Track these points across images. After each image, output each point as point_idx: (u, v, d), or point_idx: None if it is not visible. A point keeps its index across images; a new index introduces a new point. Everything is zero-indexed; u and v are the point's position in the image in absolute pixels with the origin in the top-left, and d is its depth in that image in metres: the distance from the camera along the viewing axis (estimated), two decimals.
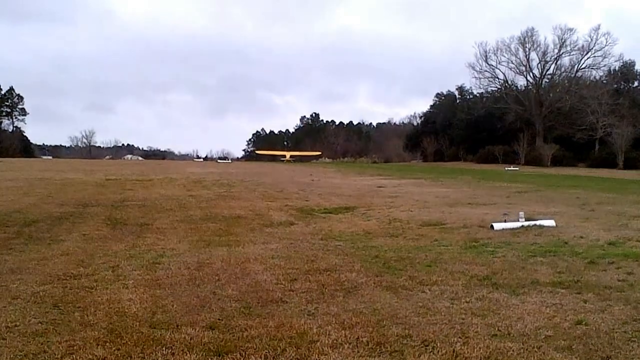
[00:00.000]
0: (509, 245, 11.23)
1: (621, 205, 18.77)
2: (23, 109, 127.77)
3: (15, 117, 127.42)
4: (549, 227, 13.40)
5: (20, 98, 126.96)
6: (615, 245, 11.06)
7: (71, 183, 29.60)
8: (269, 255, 10.25)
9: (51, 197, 21.25)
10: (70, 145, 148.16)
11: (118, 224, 14.47)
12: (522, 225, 13.40)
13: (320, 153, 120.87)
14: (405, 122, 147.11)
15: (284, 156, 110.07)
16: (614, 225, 13.82)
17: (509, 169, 66.96)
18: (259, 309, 6.78)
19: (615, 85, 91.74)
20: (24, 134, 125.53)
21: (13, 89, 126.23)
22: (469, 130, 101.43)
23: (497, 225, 13.41)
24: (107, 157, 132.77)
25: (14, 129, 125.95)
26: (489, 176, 43.86)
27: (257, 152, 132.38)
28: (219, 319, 6.38)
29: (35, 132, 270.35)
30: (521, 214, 13.82)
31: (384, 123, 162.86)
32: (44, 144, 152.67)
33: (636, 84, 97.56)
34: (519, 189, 28.00)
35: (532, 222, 13.60)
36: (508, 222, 13.63)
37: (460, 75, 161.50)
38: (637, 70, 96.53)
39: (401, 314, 6.53)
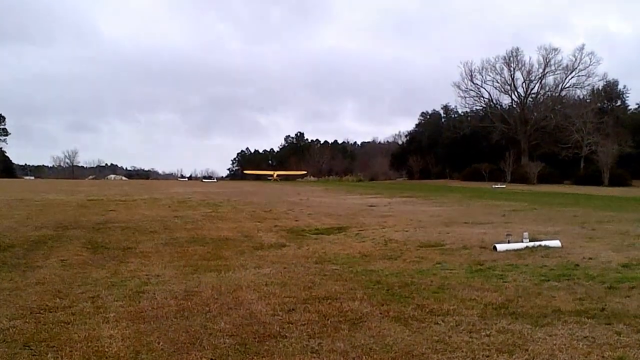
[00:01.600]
0: (517, 269, 10.56)
1: (622, 224, 18.21)
2: (4, 129, 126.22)
3: None
4: (554, 247, 12.77)
5: (2, 118, 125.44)
6: (630, 267, 10.42)
7: (51, 204, 28.61)
8: (262, 282, 9.51)
9: (30, 219, 20.32)
10: (53, 165, 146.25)
11: (99, 248, 13.64)
12: (527, 246, 12.77)
13: (305, 172, 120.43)
14: (390, 140, 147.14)
15: (271, 175, 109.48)
16: (622, 246, 13.20)
17: (496, 186, 66.61)
18: (256, 346, 6.05)
19: (599, 104, 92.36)
20: (6, 154, 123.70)
21: None
22: (455, 148, 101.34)
23: (500, 247, 12.76)
24: (90, 177, 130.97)
25: None
26: (478, 194, 43.32)
27: (245, 171, 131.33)
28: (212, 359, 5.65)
29: (18, 152, 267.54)
30: (525, 234, 13.19)
31: (368, 142, 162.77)
32: (26, 164, 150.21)
33: (619, 102, 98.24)
34: (513, 207, 27.42)
35: (537, 243, 12.97)
36: (511, 242, 12.96)
37: (445, 95, 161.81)
38: (620, 90, 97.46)
39: (417, 351, 5.81)
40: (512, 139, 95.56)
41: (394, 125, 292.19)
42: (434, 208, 27.34)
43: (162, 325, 6.86)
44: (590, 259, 11.40)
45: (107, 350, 5.93)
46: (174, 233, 16.65)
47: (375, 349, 5.90)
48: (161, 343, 6.15)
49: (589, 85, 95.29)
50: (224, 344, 6.11)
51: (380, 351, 5.84)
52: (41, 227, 17.74)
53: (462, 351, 5.79)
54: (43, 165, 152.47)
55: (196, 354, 5.79)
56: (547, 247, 12.72)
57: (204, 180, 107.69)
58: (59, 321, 7.03)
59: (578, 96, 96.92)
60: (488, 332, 6.40)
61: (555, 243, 13.06)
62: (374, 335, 6.37)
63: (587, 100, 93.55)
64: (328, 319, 7.06)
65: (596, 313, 7.16)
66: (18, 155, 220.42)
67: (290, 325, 6.83)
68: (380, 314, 7.33)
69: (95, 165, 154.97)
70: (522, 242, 12.98)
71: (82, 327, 6.75)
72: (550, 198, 38.01)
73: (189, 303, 7.98)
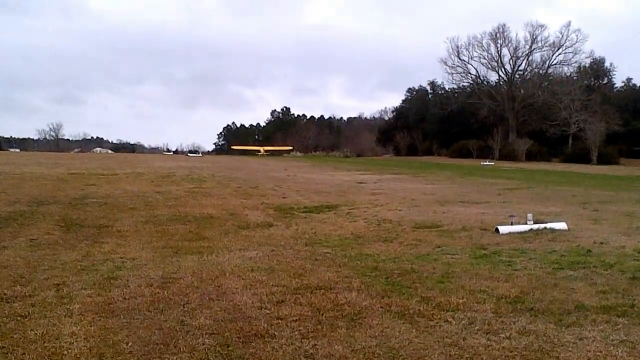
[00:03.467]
0: (524, 254, 9.76)
1: (624, 205, 17.46)
2: None
3: None
4: (560, 230, 11.98)
5: None
6: None
7: (30, 177, 27.42)
8: (247, 267, 8.63)
9: (4, 193, 19.21)
10: (39, 138, 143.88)
11: (73, 225, 12.68)
12: (531, 229, 11.96)
13: (291, 148, 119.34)
14: (376, 116, 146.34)
15: (259, 151, 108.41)
16: (631, 229, 12.42)
17: (485, 163, 66.03)
18: (241, 348, 5.20)
19: (586, 82, 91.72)
20: None
21: None
22: (442, 124, 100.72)
23: (503, 229, 11.95)
24: (76, 150, 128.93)
25: None
26: (469, 171, 42.56)
27: (232, 147, 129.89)
28: None
29: (3, 124, 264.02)
30: (529, 215, 12.37)
31: (355, 117, 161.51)
32: (11, 136, 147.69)
33: (606, 80, 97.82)
34: (507, 185, 26.64)
35: (542, 225, 12.16)
36: (515, 224, 12.15)
37: (432, 71, 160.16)
38: (606, 67, 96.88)
39: (429, 358, 4.98)
40: (500, 116, 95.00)
41: (381, 101, 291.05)
42: (426, 186, 26.49)
43: (134, 320, 5.99)
44: (602, 243, 10.61)
45: (65, 352, 5.06)
46: (155, 210, 15.72)
47: (379, 354, 5.06)
48: (130, 343, 5.29)
49: (575, 62, 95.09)
50: (203, 344, 5.26)
51: (385, 356, 5.01)
52: (15, 202, 16.72)
53: (481, 358, 4.96)
54: (28, 138, 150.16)
55: (170, 358, 4.93)
56: (552, 230, 11.93)
57: (189, 154, 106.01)
58: (15, 314, 6.14)
59: (565, 73, 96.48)
60: (508, 334, 5.56)
61: (561, 225, 12.27)
62: (377, 336, 5.53)
63: (574, 78, 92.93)
64: (322, 314, 6.22)
65: (626, 310, 6.32)
66: (4, 127, 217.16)
67: (280, 321, 5.97)
68: (381, 307, 6.49)
69: (81, 139, 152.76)
70: (526, 224, 12.17)
71: (40, 322, 5.87)
72: (542, 176, 37.35)
73: (166, 292, 7.10)
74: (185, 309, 6.40)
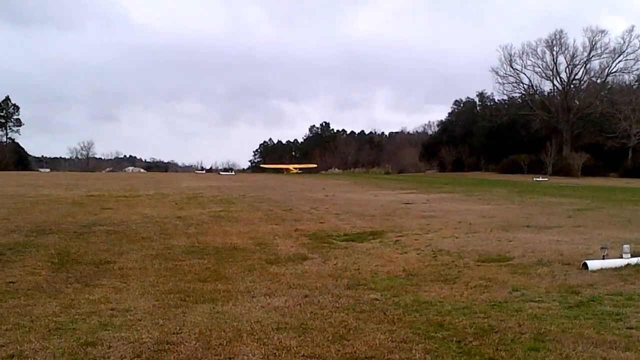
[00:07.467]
0: (632, 301, 7.49)
1: None
2: (18, 120, 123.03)
3: (10, 128, 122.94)
4: None
5: (16, 108, 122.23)
6: None
7: (43, 201, 25.65)
8: (272, 324, 6.57)
9: (7, 220, 17.39)
10: (70, 157, 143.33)
11: (68, 262, 10.72)
12: (628, 264, 9.58)
13: (315, 165, 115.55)
14: (419, 130, 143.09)
15: (288, 169, 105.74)
16: None
17: (538, 179, 62.60)
18: None
19: None
20: (20, 146, 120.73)
21: (9, 99, 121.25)
22: (491, 138, 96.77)
23: (593, 264, 9.59)
24: (108, 169, 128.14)
25: (7, 140, 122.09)
26: (525, 188, 39.06)
27: (262, 165, 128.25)
28: None
29: (36, 143, 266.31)
30: (626, 247, 9.93)
31: (396, 132, 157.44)
32: (43, 156, 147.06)
33: None
34: (575, 205, 23.70)
35: None
36: (607, 258, 9.78)
37: (480, 82, 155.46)
38: None
39: None
40: (553, 128, 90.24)
41: (425, 115, 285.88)
42: (482, 206, 23.76)
43: None
44: None
45: None
46: (171, 240, 13.76)
47: None
48: None
49: (637, 69, 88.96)
50: None
51: None
52: (13, 230, 14.87)
53: None
54: (60, 157, 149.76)
55: None
56: None
57: (221, 172, 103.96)
58: None
59: (625, 82, 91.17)
60: None
61: None
62: None
63: (634, 86, 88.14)
64: None
65: None
66: (36, 146, 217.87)
67: None
68: None
69: (113, 157, 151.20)
70: (622, 257, 9.78)
71: None
72: (608, 193, 33.92)
73: None
74: None
